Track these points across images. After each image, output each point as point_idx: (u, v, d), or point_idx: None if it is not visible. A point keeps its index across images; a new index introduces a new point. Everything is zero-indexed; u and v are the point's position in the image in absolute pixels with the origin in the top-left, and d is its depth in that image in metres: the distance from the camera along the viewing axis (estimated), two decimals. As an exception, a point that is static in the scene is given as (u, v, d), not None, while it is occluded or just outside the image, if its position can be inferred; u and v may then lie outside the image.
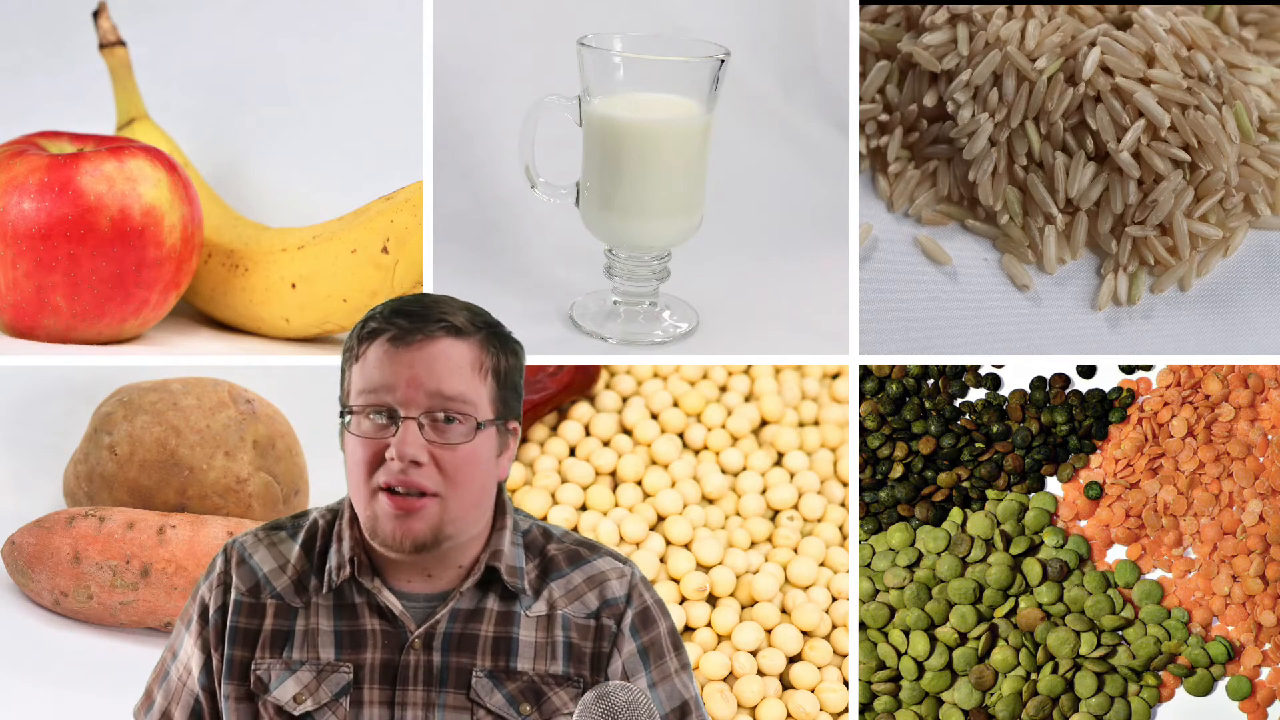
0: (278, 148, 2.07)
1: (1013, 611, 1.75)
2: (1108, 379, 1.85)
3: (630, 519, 1.80)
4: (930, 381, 1.86)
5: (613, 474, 1.87)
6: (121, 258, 1.78)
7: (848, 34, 1.90)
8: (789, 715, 1.72)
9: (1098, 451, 1.82)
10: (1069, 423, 1.82)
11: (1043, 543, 1.79)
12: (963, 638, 1.75)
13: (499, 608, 1.33)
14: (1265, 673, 1.74)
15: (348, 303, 1.83)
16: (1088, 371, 1.85)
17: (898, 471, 1.82)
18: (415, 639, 1.31)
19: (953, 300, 1.79)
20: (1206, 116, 1.75)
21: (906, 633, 1.75)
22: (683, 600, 1.77)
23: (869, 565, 1.79)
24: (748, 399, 1.95)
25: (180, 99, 2.07)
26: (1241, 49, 1.82)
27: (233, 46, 2.10)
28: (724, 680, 1.73)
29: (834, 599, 1.79)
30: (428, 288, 1.81)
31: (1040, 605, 1.75)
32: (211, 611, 1.35)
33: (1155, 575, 1.78)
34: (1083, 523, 1.80)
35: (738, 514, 1.86)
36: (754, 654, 1.75)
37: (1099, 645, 1.74)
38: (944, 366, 1.85)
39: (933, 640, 1.74)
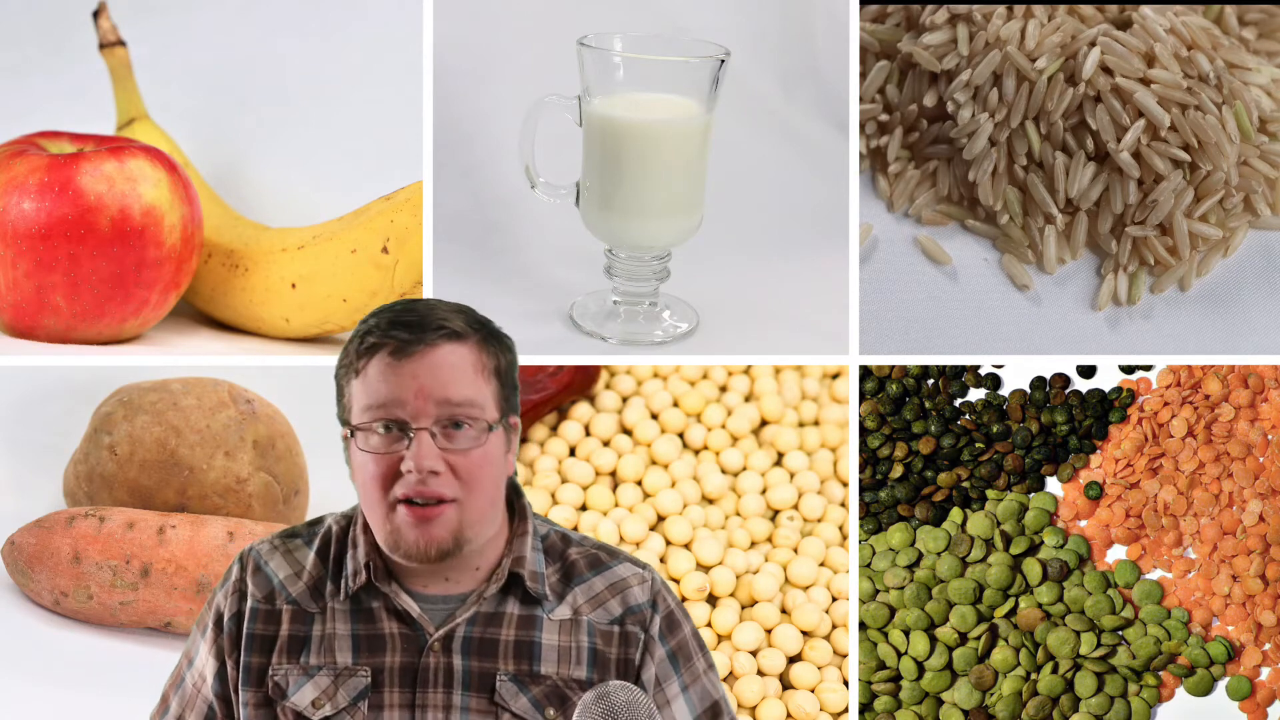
0: (278, 148, 2.07)
1: (1013, 611, 1.75)
2: (1108, 379, 1.85)
3: (630, 519, 1.80)
4: (930, 381, 1.86)
5: (613, 474, 1.87)
6: (121, 258, 1.78)
7: (848, 34, 1.90)
8: (789, 715, 1.72)
9: (1098, 451, 1.82)
10: (1069, 423, 1.82)
11: (1043, 543, 1.79)
12: (963, 638, 1.75)
13: (520, 611, 1.33)
14: (1265, 673, 1.74)
15: (348, 303, 1.83)
16: (1088, 371, 1.85)
17: (898, 471, 1.82)
18: (435, 641, 1.31)
19: (953, 300, 1.79)
20: (1206, 116, 1.75)
21: (906, 633, 1.75)
22: (683, 600, 1.77)
23: (869, 565, 1.79)
24: (748, 399, 1.95)
25: (180, 99, 2.07)
26: (1241, 49, 1.82)
27: (233, 46, 2.10)
28: (724, 680, 1.73)
29: (834, 599, 1.79)
30: (428, 288, 1.81)
31: (1040, 605, 1.75)
32: (226, 619, 1.35)
33: (1155, 575, 1.78)
34: (1083, 523, 1.80)
35: (738, 514, 1.86)
36: (754, 654, 1.75)
37: (1099, 645, 1.74)
38: (944, 366, 1.85)
39: (933, 640, 1.74)
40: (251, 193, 2.05)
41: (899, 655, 1.75)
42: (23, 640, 1.76)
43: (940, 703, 1.74)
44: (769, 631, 1.76)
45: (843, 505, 1.88)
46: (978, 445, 1.83)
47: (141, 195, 1.79)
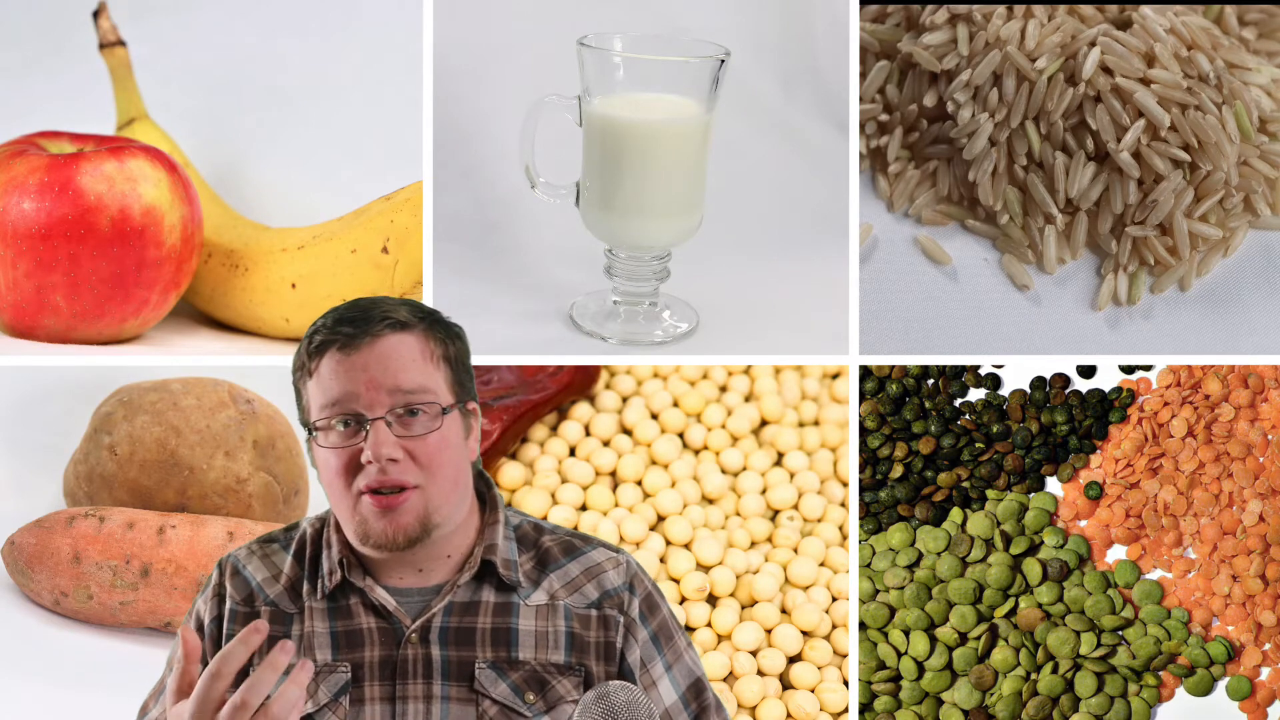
0: (278, 148, 2.07)
1: (1013, 611, 1.75)
2: (1108, 379, 1.85)
3: (630, 519, 1.80)
4: (930, 381, 1.86)
5: (613, 474, 1.87)
6: (121, 258, 1.78)
7: (848, 34, 1.90)
8: (789, 715, 1.72)
9: (1098, 451, 1.82)
10: (1069, 423, 1.82)
11: (1043, 543, 1.79)
12: (963, 638, 1.75)
13: (496, 599, 1.35)
14: (1265, 673, 1.74)
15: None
16: (1088, 371, 1.85)
17: (898, 471, 1.82)
18: (412, 633, 1.32)
19: (952, 300, 1.80)
20: (1206, 116, 1.75)
21: (906, 633, 1.75)
22: (683, 600, 1.77)
23: (869, 565, 1.79)
24: (748, 399, 1.95)
25: (180, 99, 2.07)
26: (1241, 49, 1.82)
27: (233, 46, 2.10)
28: (724, 680, 1.73)
29: (834, 599, 1.79)
30: (428, 287, 1.81)
31: (1040, 605, 1.75)
32: (207, 623, 1.37)
33: (1155, 575, 1.78)
34: (1083, 523, 1.80)
35: (738, 514, 1.86)
36: (754, 654, 1.75)
37: (1099, 645, 1.74)
38: (944, 366, 1.85)
39: (933, 640, 1.74)
40: (251, 193, 2.06)
41: (899, 655, 1.75)
42: (23, 640, 1.76)
43: (940, 703, 1.74)
44: (769, 631, 1.76)
45: (843, 505, 1.88)
46: (978, 445, 1.83)
47: (141, 195, 1.79)
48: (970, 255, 1.82)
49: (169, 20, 2.10)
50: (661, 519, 1.83)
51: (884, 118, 1.88)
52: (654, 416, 1.91)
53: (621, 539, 1.80)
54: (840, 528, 1.86)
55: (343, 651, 1.33)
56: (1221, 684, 1.74)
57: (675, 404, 1.92)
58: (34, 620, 1.79)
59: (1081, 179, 1.78)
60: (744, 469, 1.89)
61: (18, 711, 1.68)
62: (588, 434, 1.90)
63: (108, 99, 2.02)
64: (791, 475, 1.89)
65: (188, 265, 1.85)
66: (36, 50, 2.12)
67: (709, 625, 1.76)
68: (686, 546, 1.80)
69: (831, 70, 2.17)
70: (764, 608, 1.77)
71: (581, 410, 1.91)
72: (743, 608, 1.78)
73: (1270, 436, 1.79)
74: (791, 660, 1.76)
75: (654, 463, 1.87)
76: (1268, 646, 1.74)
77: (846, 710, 1.74)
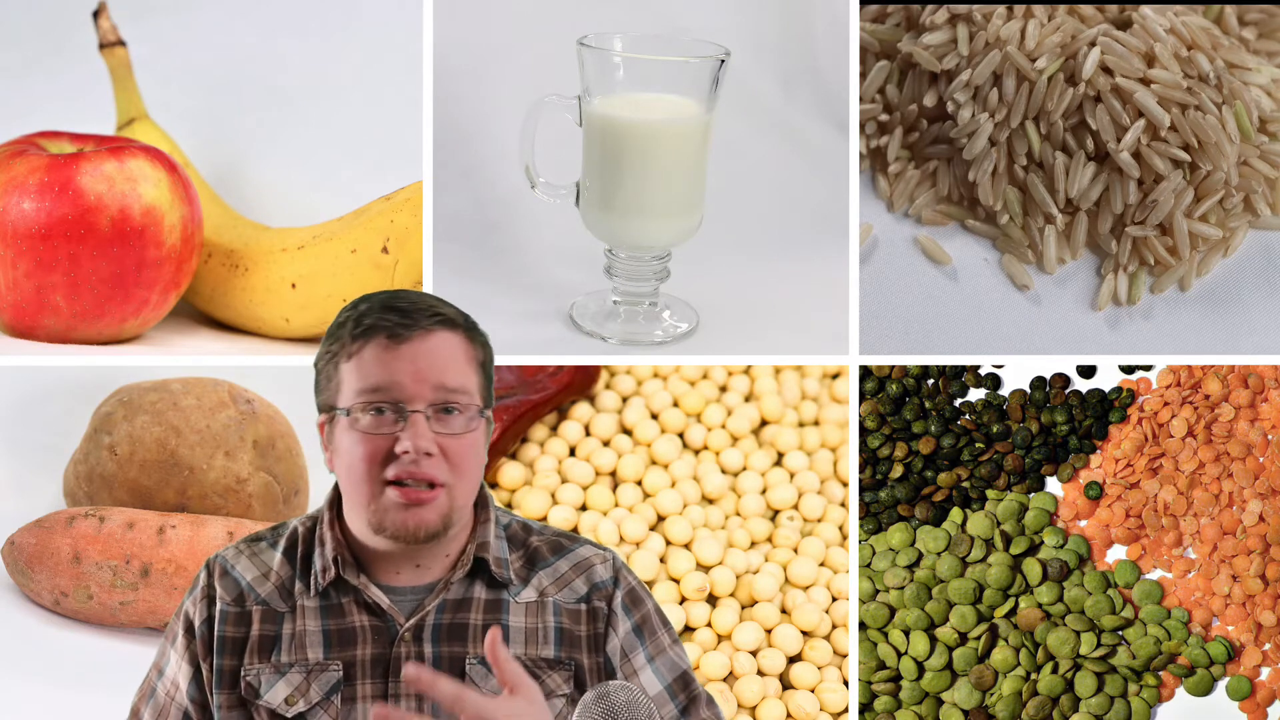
0: (278, 148, 2.07)
1: (1013, 611, 1.75)
2: (1108, 379, 1.85)
3: (630, 519, 1.80)
4: (930, 381, 1.86)
5: (613, 474, 1.87)
6: (121, 258, 1.78)
7: (848, 34, 1.90)
8: (789, 715, 1.72)
9: (1098, 451, 1.82)
10: (1069, 423, 1.82)
11: (1043, 543, 1.79)
12: (963, 638, 1.75)
13: (487, 596, 1.35)
14: (1265, 673, 1.74)
15: (348, 303, 1.83)
16: (1088, 371, 1.85)
17: (898, 471, 1.82)
18: (405, 631, 1.32)
19: (952, 300, 1.80)
20: (1206, 116, 1.75)
21: (906, 633, 1.75)
22: (683, 600, 1.77)
23: (869, 565, 1.79)
24: (748, 399, 1.95)
25: (180, 99, 2.07)
26: (1241, 49, 1.82)
27: (233, 46, 2.10)
28: (724, 680, 1.73)
29: (834, 599, 1.79)
30: (428, 287, 1.81)
31: (1040, 605, 1.75)
32: (197, 624, 1.36)
33: (1155, 575, 1.78)
34: (1083, 523, 1.80)
35: (738, 514, 1.86)
36: (754, 654, 1.75)
37: (1099, 645, 1.74)
38: (944, 366, 1.85)
39: (933, 640, 1.74)
40: (251, 193, 2.06)
41: (899, 655, 1.75)
42: (23, 640, 1.76)
43: (940, 703, 1.74)
44: (769, 631, 1.76)
45: (843, 505, 1.88)
46: (978, 445, 1.83)
47: (141, 195, 1.79)
48: (970, 255, 1.82)
49: (169, 20, 2.10)
50: (661, 519, 1.83)
51: (884, 118, 1.88)
52: (654, 416, 1.91)
53: (621, 539, 1.80)
54: (840, 528, 1.86)
55: (335, 650, 1.33)
56: (1221, 684, 1.74)
57: (675, 404, 1.92)
58: (34, 620, 1.79)
59: (1081, 179, 1.78)
60: (744, 469, 1.89)
61: (18, 711, 1.68)
62: (588, 434, 1.90)
63: (108, 99, 2.02)
64: (791, 475, 1.89)
65: (188, 265, 1.85)
66: (36, 50, 2.12)
67: (709, 625, 1.76)
68: (686, 546, 1.80)
69: (831, 70, 2.17)
70: (764, 608, 1.77)
71: (581, 410, 1.91)
72: (743, 608, 1.78)
73: (1270, 436, 1.79)
74: (791, 660, 1.76)
75: (654, 463, 1.87)
76: (1268, 646, 1.74)
77: (846, 710, 1.74)
